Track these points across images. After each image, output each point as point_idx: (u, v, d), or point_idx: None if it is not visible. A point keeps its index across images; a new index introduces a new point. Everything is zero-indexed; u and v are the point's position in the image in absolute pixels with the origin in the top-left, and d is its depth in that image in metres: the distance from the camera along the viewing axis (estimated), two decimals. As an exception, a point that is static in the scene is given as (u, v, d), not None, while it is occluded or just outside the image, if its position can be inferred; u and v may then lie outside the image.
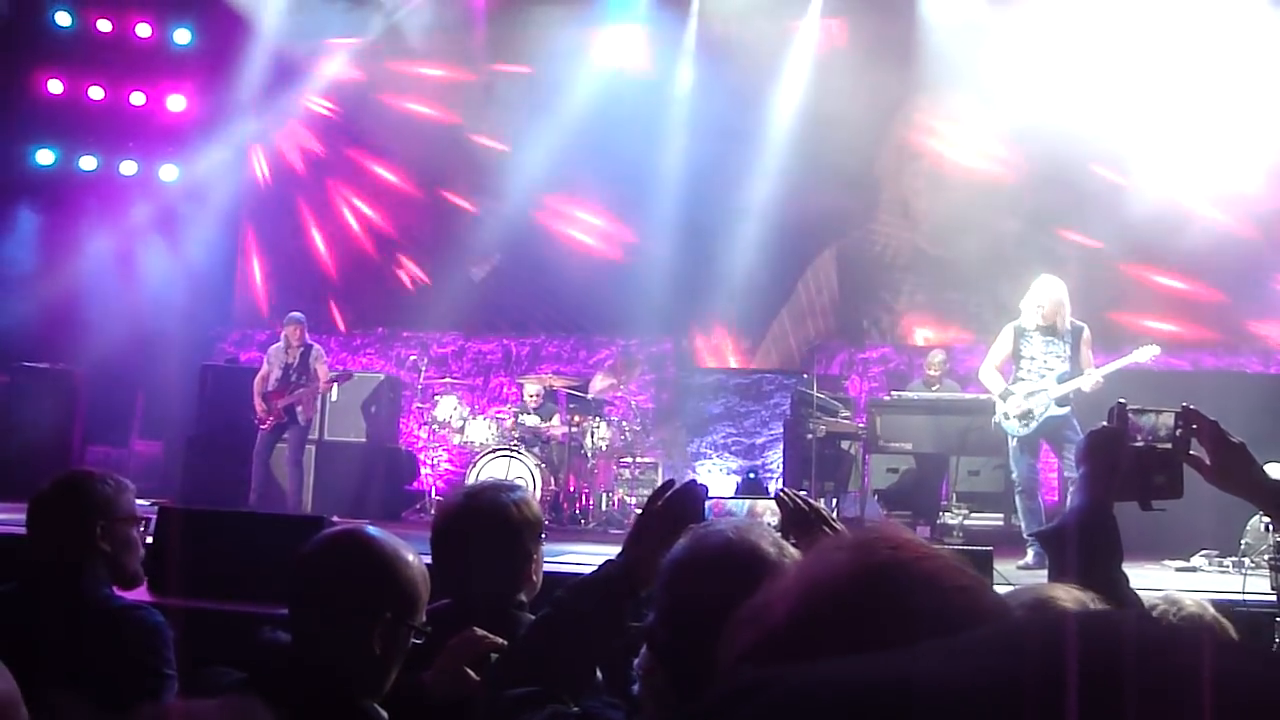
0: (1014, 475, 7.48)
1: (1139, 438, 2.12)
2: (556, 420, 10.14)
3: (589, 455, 9.82)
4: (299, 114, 12.53)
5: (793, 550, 1.69)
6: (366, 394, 10.72)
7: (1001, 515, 9.17)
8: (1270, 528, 5.07)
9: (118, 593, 2.89)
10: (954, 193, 10.94)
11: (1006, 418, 7.35)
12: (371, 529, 2.15)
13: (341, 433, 10.52)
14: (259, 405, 9.46)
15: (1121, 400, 2.14)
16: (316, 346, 9.69)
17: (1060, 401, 7.20)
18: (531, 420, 10.10)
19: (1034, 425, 7.24)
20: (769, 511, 2.15)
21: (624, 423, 10.06)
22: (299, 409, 9.43)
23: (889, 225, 11.49)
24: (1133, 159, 10.17)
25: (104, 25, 12.23)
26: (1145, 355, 7.44)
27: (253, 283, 12.77)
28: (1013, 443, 7.39)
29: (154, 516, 5.12)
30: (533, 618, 2.21)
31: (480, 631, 2.30)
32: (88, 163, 12.36)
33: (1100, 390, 7.08)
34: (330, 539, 2.11)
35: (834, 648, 0.84)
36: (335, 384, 9.74)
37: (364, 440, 10.57)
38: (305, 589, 2.06)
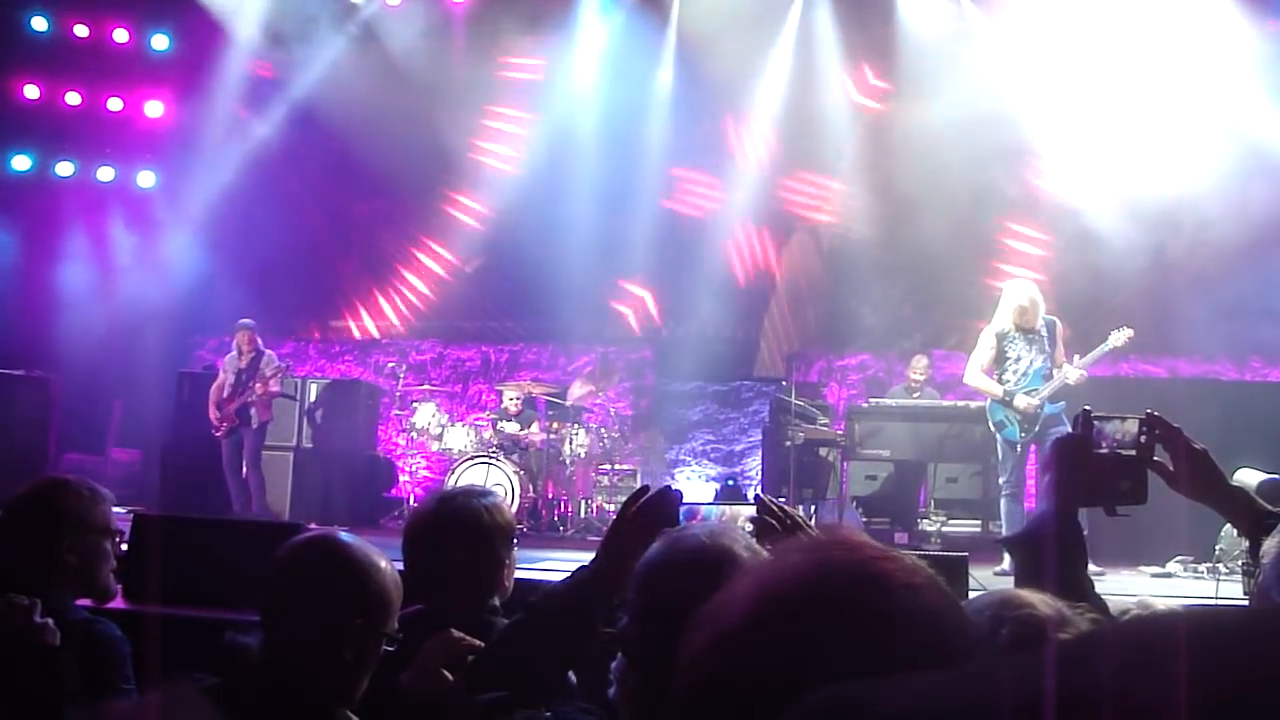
0: (1002, 479, 7.42)
1: (1103, 444, 2.15)
2: (535, 427, 10.13)
3: (568, 462, 9.82)
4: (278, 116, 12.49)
5: (766, 554, 1.71)
6: (344, 401, 10.69)
7: (979, 521, 9.20)
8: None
9: (83, 604, 2.86)
10: (925, 184, 11.02)
11: (1009, 422, 7.29)
12: (344, 535, 2.15)
13: (319, 439, 10.48)
14: (213, 413, 9.47)
15: (1086, 407, 2.17)
16: (269, 353, 9.66)
17: (1053, 398, 7.21)
18: (510, 427, 10.08)
19: (1037, 428, 7.21)
20: (743, 518, 2.17)
21: (603, 430, 10.07)
22: (252, 411, 9.43)
23: (864, 217, 11.51)
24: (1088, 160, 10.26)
25: (81, 30, 12.18)
26: (1120, 339, 7.41)
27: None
28: (1006, 446, 7.33)
29: (129, 524, 5.10)
30: (507, 622, 2.22)
31: (457, 633, 2.30)
32: (64, 168, 12.31)
33: (1084, 385, 7.10)
34: (302, 545, 2.11)
35: (788, 646, 0.86)
36: (278, 386, 9.62)
37: (342, 447, 10.52)
38: (277, 594, 2.06)
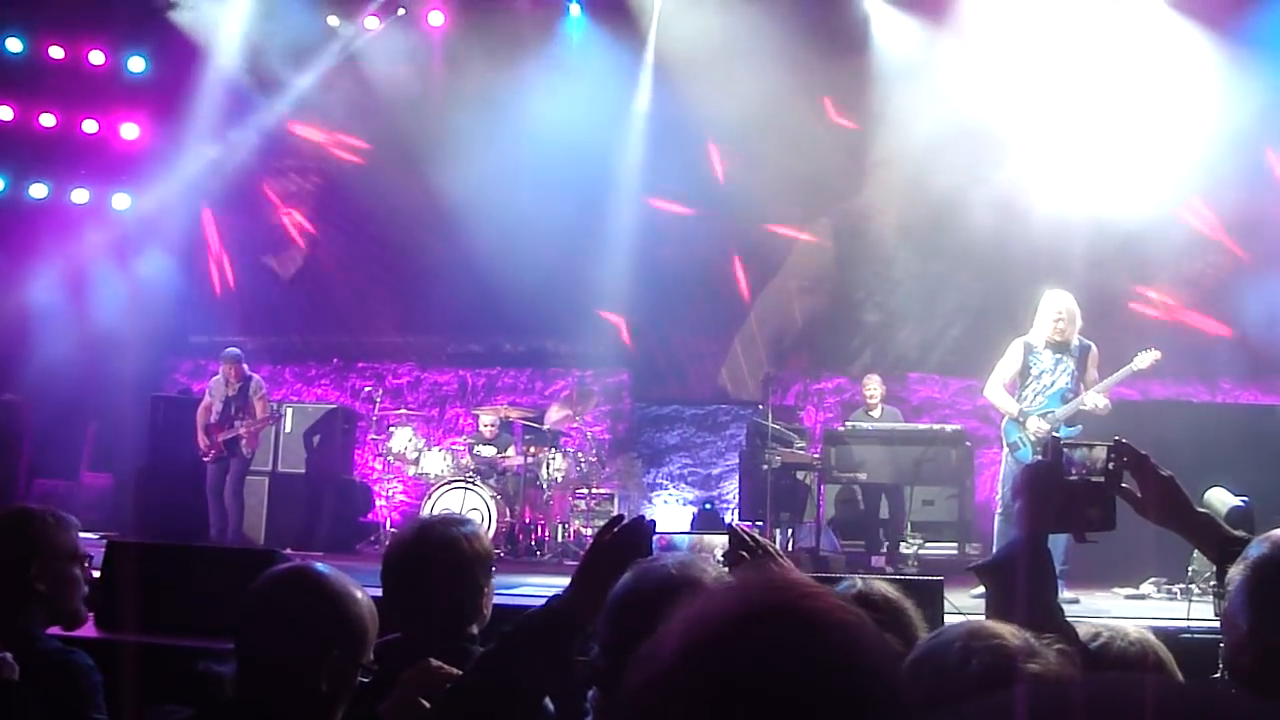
0: (999, 495, 7.38)
1: (1073, 471, 2.18)
2: (512, 451, 10.12)
3: (544, 486, 9.80)
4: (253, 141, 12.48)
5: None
6: (320, 425, 10.64)
7: (956, 544, 9.24)
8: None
9: (54, 633, 2.83)
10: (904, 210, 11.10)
11: (1023, 444, 7.15)
12: (320, 566, 2.15)
13: (295, 464, 10.42)
14: (201, 438, 9.49)
15: (1055, 435, 2.21)
16: (256, 379, 9.71)
17: (1070, 422, 7.08)
18: (487, 451, 10.06)
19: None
20: (717, 547, 2.19)
21: (580, 454, 10.05)
22: (241, 442, 9.46)
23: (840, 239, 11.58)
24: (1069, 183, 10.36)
25: (56, 52, 12.13)
26: (1145, 361, 7.32)
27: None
28: (1015, 466, 7.13)
29: (103, 550, 5.05)
30: (482, 651, 2.22)
31: (435, 663, 2.31)
32: (38, 190, 12.22)
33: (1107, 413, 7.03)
34: (278, 576, 2.11)
35: (719, 687, 0.88)
36: (270, 423, 9.73)
37: (318, 472, 10.47)
38: (253, 626, 2.05)
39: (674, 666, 0.90)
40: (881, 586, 2.03)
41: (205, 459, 9.46)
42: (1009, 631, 1.54)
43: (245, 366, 9.67)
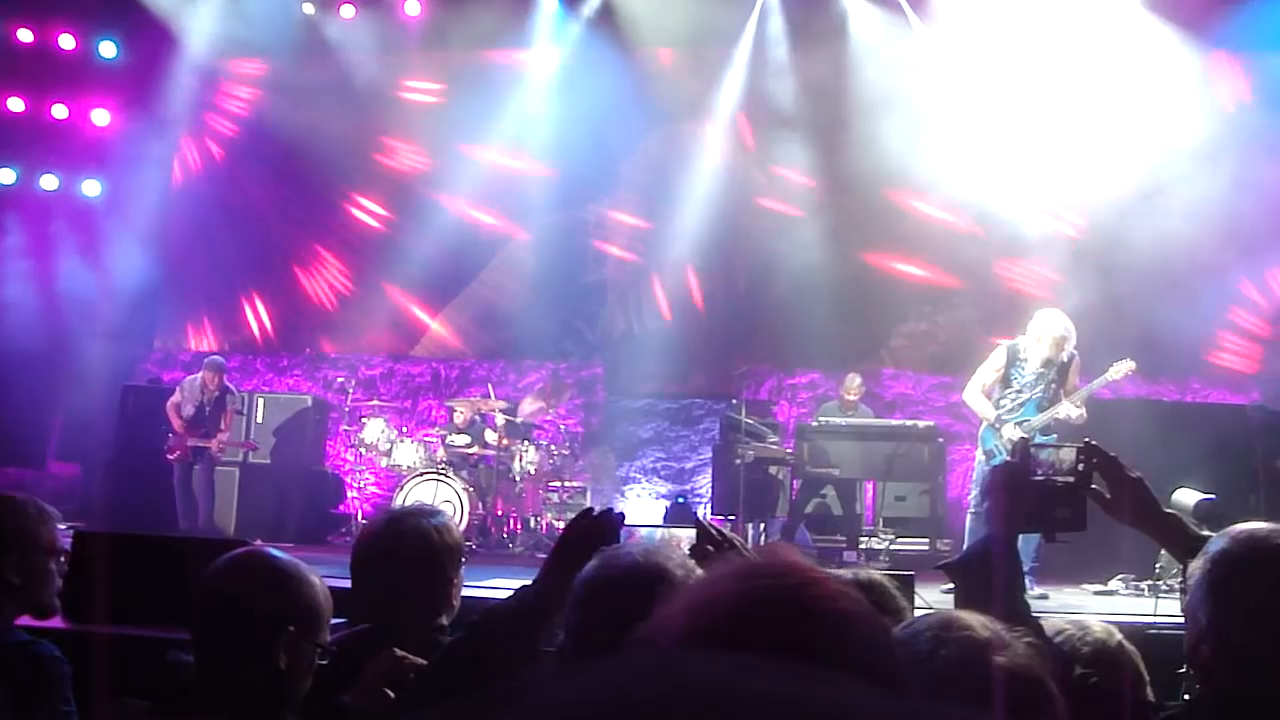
0: (971, 496, 7.42)
1: (1040, 472, 2.20)
2: (484, 443, 10.11)
3: (517, 479, 9.79)
4: (221, 126, 12.41)
5: (700, 572, 1.74)
6: (292, 416, 10.59)
7: (927, 540, 9.28)
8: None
9: (22, 624, 2.80)
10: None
11: (998, 452, 7.13)
12: (272, 550, 2.18)
13: (266, 455, 10.37)
14: (176, 424, 9.49)
15: (1024, 436, 2.24)
16: (235, 392, 9.72)
17: (1045, 430, 7.07)
18: (460, 443, 10.04)
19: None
20: (683, 541, 2.20)
21: (552, 446, 10.05)
22: (212, 448, 9.53)
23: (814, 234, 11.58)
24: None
25: (25, 35, 11.99)
26: (1120, 372, 7.37)
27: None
28: (987, 469, 6.95)
29: (70, 540, 5.00)
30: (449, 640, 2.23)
31: (400, 652, 2.30)
32: (6, 176, 12.10)
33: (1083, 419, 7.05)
34: (229, 560, 2.12)
35: None
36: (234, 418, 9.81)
37: (289, 463, 10.42)
38: (207, 610, 2.06)
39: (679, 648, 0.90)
40: (869, 571, 2.05)
41: (170, 457, 9.44)
42: (979, 623, 1.55)
43: (225, 378, 9.67)
